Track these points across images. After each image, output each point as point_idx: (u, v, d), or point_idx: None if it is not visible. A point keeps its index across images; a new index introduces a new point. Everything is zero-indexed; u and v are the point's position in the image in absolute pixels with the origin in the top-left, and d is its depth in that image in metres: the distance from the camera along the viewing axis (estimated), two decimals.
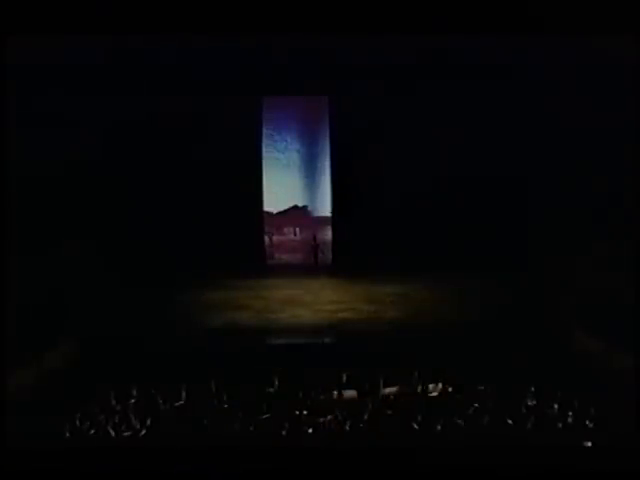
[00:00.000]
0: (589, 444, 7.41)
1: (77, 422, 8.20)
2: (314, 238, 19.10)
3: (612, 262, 12.69)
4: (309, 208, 19.47)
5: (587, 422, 8.14)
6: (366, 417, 8.45)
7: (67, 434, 7.98)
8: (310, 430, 8.21)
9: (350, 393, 9.42)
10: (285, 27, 9.81)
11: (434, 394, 9.44)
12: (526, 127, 16.26)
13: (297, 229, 19.45)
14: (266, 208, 19.16)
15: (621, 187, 12.85)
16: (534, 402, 8.89)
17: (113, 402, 8.98)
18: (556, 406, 8.60)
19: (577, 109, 14.80)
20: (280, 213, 19.47)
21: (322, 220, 19.42)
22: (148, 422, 8.35)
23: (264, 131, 18.94)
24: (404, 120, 17.16)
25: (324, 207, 19.41)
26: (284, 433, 8.07)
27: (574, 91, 14.82)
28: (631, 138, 12.48)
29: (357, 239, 17.69)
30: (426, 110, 16.91)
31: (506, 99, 16.23)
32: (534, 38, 12.70)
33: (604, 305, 11.62)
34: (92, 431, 8.13)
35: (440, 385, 9.51)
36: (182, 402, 9.15)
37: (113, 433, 8.11)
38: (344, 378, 9.78)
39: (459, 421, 8.31)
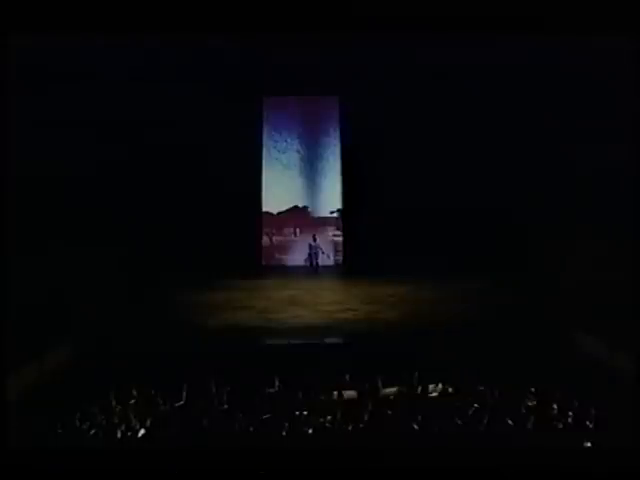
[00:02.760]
0: (589, 444, 7.36)
1: (77, 422, 8.16)
2: (314, 238, 19.09)
3: (612, 262, 12.66)
4: (310, 209, 19.46)
5: (588, 423, 8.08)
6: (366, 417, 8.38)
7: (67, 435, 7.93)
8: (310, 431, 8.13)
9: (350, 394, 9.33)
10: (288, 27, 9.75)
11: (434, 395, 9.35)
12: (527, 127, 16.31)
13: (298, 229, 19.43)
14: (266, 208, 19.21)
15: (621, 187, 12.76)
16: (534, 403, 8.82)
17: (113, 402, 8.91)
18: (556, 406, 8.53)
19: (577, 109, 14.84)
20: (280, 213, 19.45)
21: (323, 220, 19.44)
22: (148, 423, 8.29)
23: (264, 131, 18.97)
24: (411, 121, 17.23)
25: (325, 207, 19.45)
26: (284, 434, 7.99)
27: (573, 91, 14.87)
28: (631, 138, 12.42)
29: (366, 239, 17.83)
30: (432, 112, 16.99)
31: (508, 99, 16.29)
32: (534, 38, 12.88)
33: (605, 305, 11.56)
34: (92, 431, 8.09)
35: (440, 386, 9.43)
36: (182, 402, 9.08)
37: (113, 433, 8.09)
38: (344, 378, 9.70)
39: (459, 422, 8.23)
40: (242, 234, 17.85)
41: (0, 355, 8.33)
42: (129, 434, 8.10)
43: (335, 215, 19.42)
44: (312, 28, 9.96)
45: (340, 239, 19.34)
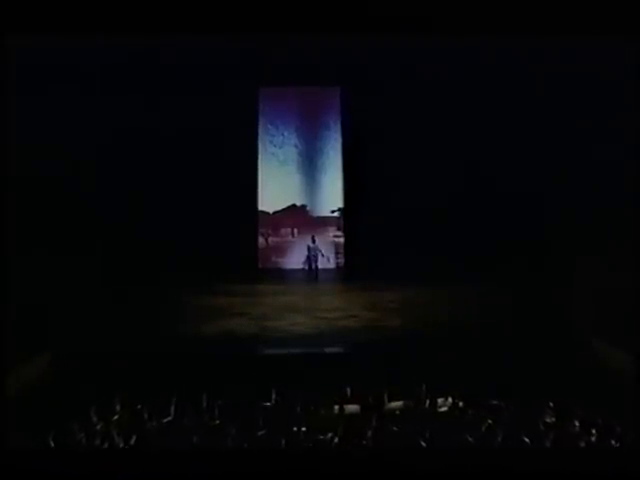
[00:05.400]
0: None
1: (51, 441, 7.69)
2: (313, 240, 18.72)
3: (612, 262, 12.51)
4: (308, 207, 19.20)
5: (613, 441, 7.65)
6: (370, 434, 8.01)
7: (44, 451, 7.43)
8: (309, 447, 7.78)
9: (352, 408, 9.06)
10: (288, 24, 9.56)
11: (443, 409, 9.06)
12: (529, 127, 16.22)
13: (295, 230, 19.16)
14: (262, 207, 18.93)
15: (620, 187, 12.80)
16: (553, 419, 8.44)
17: (94, 418, 8.48)
18: (577, 423, 8.14)
19: (577, 109, 14.74)
20: (277, 213, 19.12)
21: (322, 220, 19.15)
22: (132, 440, 7.84)
23: (260, 124, 18.74)
24: (417, 115, 17.06)
25: (325, 206, 19.16)
26: (281, 451, 7.55)
27: (574, 92, 14.76)
28: (632, 138, 12.39)
29: (368, 241, 17.72)
30: (437, 108, 16.84)
31: (509, 98, 16.23)
32: (535, 39, 12.90)
33: (604, 305, 11.49)
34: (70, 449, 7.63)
35: (450, 399, 9.15)
36: (170, 418, 8.69)
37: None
38: (346, 391, 9.38)
39: (470, 438, 7.84)
40: (236, 235, 17.56)
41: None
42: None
43: (336, 215, 19.11)
44: (313, 25, 9.81)
45: (341, 240, 19.07)
